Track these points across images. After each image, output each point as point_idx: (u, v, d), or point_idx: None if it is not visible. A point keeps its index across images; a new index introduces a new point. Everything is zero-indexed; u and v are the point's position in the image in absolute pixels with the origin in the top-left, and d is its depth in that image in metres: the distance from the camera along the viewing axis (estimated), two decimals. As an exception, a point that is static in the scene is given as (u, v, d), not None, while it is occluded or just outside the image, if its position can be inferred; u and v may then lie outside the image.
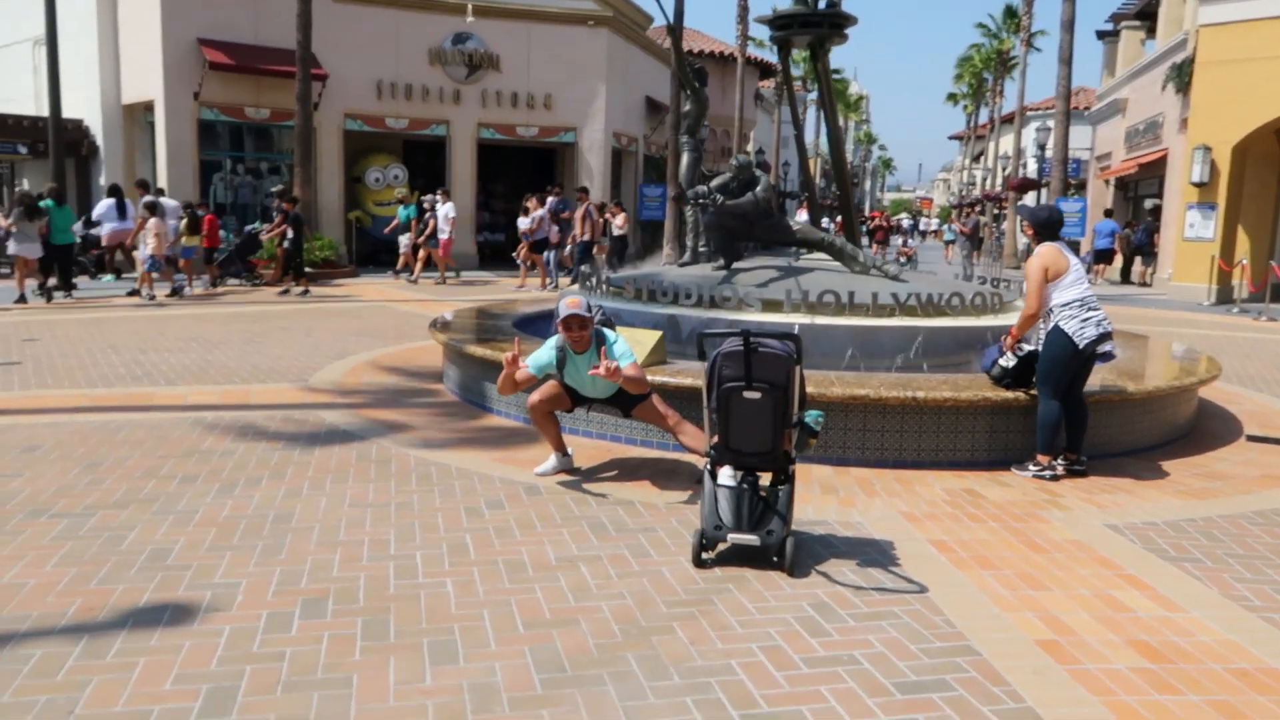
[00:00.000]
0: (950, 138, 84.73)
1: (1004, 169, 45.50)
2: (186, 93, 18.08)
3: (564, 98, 21.65)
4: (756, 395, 3.95)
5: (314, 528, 4.45)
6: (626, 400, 5.27)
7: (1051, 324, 5.67)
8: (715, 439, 4.15)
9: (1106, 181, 28.30)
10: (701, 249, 8.86)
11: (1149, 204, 27.56)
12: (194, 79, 18.03)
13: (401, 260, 18.37)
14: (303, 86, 17.49)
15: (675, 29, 8.62)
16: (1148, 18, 27.24)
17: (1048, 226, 5.92)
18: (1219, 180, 18.61)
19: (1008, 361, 5.91)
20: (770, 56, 39.00)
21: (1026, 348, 5.92)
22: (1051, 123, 27.76)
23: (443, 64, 20.76)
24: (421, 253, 17.76)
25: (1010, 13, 39.90)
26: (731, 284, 7.38)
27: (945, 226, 44.85)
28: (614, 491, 5.16)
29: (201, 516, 4.56)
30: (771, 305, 6.96)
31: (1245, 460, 6.31)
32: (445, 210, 17.44)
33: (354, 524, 4.52)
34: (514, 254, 18.31)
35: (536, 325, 9.04)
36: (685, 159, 8.79)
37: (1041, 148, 26.26)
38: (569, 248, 17.43)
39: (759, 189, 7.64)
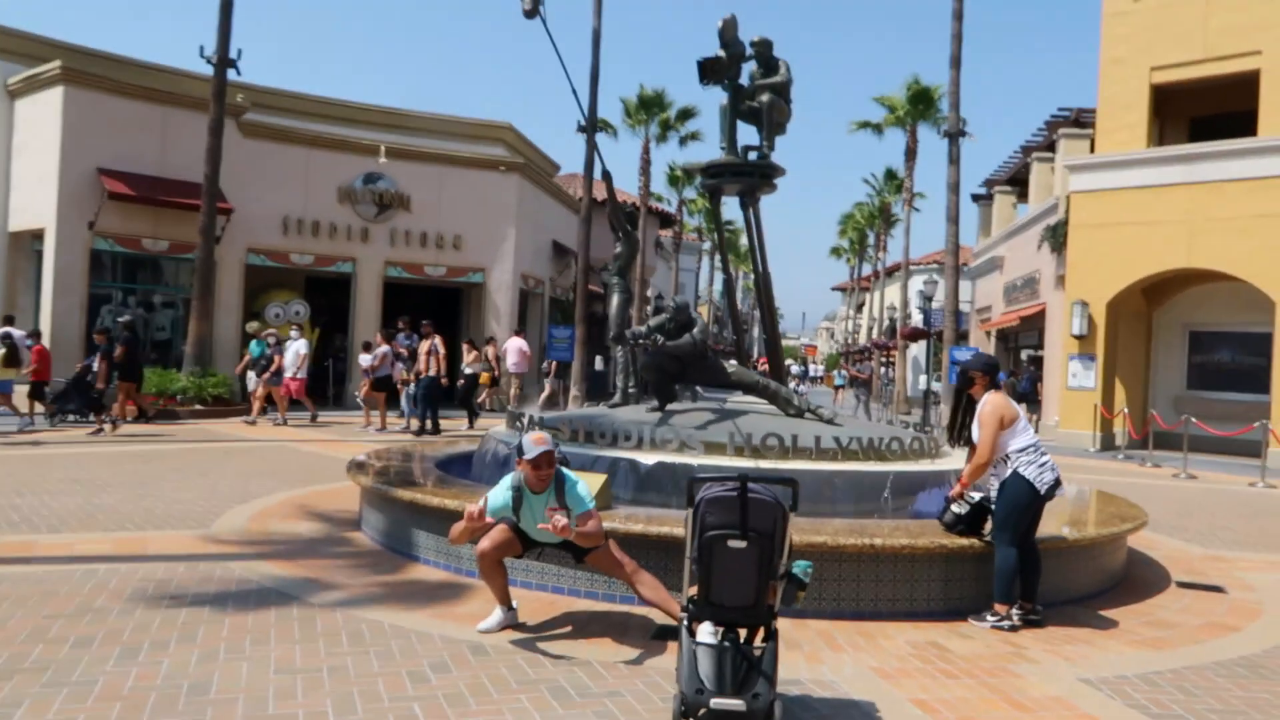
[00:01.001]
0: (833, 289, 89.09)
1: (889, 319, 47.72)
2: (81, 222, 17.41)
3: (474, 239, 21.78)
4: (742, 545, 3.72)
5: (238, 699, 3.91)
6: (579, 547, 4.95)
7: (1009, 471, 5.68)
8: (693, 592, 3.87)
9: (987, 333, 29.90)
10: (631, 390, 8.73)
11: (1026, 354, 29.14)
12: (90, 208, 17.41)
13: (256, 405, 16.57)
14: (207, 220, 17.07)
15: (607, 174, 8.74)
16: (1018, 184, 29.55)
17: (994, 373, 6.02)
18: (1096, 333, 19.83)
19: (960, 508, 5.86)
20: (668, 207, 40.51)
21: (976, 495, 5.90)
22: (935, 276, 29.39)
23: (352, 202, 20.69)
24: (260, 390, 16.46)
25: (890, 175, 42.74)
26: (671, 425, 7.23)
27: (835, 372, 46.37)
28: (569, 650, 4.77)
29: (103, 688, 3.96)
30: (714, 448, 6.81)
31: (1183, 608, 6.34)
32: (296, 347, 16.30)
33: (284, 693, 4.00)
34: (355, 392, 17.13)
35: (458, 466, 8.67)
36: (615, 300, 8.77)
37: (929, 299, 27.66)
38: (411, 386, 16.37)
39: (695, 330, 7.62)
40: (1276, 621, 6.09)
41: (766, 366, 9.45)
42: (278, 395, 16.45)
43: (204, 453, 12.01)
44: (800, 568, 3.78)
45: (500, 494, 4.92)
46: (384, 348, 16.35)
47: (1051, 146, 24.45)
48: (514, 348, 19.22)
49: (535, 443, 4.71)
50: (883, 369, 44.69)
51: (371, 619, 5.14)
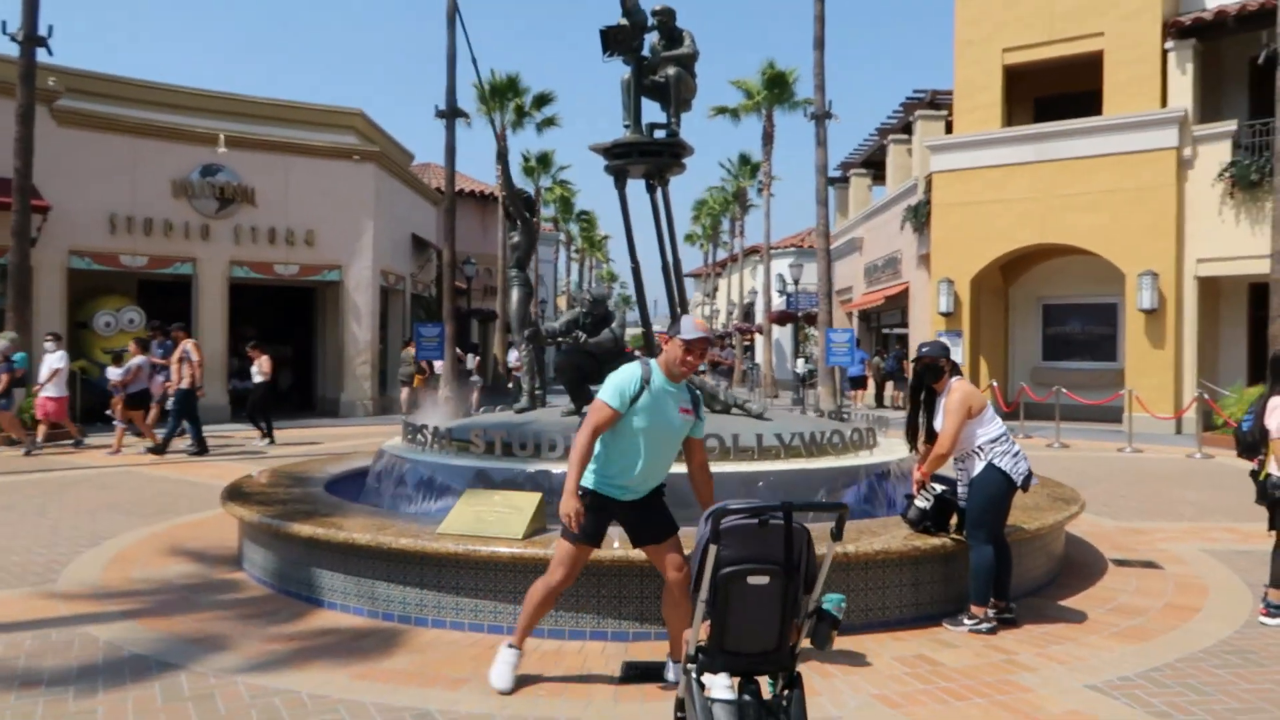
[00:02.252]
0: (685, 275, 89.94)
1: (748, 303, 48.32)
2: None
3: (327, 234, 20.33)
4: (764, 580, 3.14)
5: (134, 829, 3.03)
6: (660, 516, 4.30)
7: (983, 463, 5.32)
8: (702, 639, 3.26)
9: (849, 314, 30.52)
10: (538, 391, 8.01)
11: (888, 333, 29.91)
12: (-128, 209, 15.10)
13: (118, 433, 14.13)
14: (20, 219, 15.11)
15: (503, 153, 7.96)
16: (874, 166, 30.23)
17: (950, 358, 5.66)
18: (962, 310, 20.36)
19: (924, 503, 5.48)
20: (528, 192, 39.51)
21: (939, 487, 5.53)
22: (798, 259, 29.73)
23: (189, 197, 18.90)
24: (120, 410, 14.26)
25: (745, 159, 43.11)
26: (595, 432, 6.57)
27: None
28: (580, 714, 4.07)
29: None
30: (649, 454, 6.19)
31: (1135, 589, 6.21)
32: (51, 360, 13.94)
33: (195, 812, 3.14)
34: (107, 411, 15.01)
35: (347, 488, 7.74)
36: (515, 295, 8.02)
37: (796, 282, 27.93)
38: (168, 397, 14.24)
39: (614, 324, 6.99)
40: (1225, 597, 6.03)
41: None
42: (5, 420, 13.73)
43: (36, 485, 10.48)
44: (832, 602, 3.23)
45: (625, 382, 4.09)
46: (138, 359, 14.14)
47: (908, 129, 25.02)
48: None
49: (698, 327, 4.12)
50: (745, 353, 45.18)
51: (284, 688, 4.27)
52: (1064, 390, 16.50)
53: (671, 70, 7.91)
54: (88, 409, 18.13)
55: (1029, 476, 5.32)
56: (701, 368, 7.70)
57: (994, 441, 5.31)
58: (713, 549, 3.03)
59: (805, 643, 3.28)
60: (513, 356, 19.63)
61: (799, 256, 33.36)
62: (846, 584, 5.11)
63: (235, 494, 6.78)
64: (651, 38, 8.07)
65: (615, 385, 4.05)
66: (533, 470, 6.13)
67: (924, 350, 5.67)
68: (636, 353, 7.20)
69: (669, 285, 8.54)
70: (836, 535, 3.16)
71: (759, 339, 40.34)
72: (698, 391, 4.33)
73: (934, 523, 5.47)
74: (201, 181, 18.94)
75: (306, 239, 20.09)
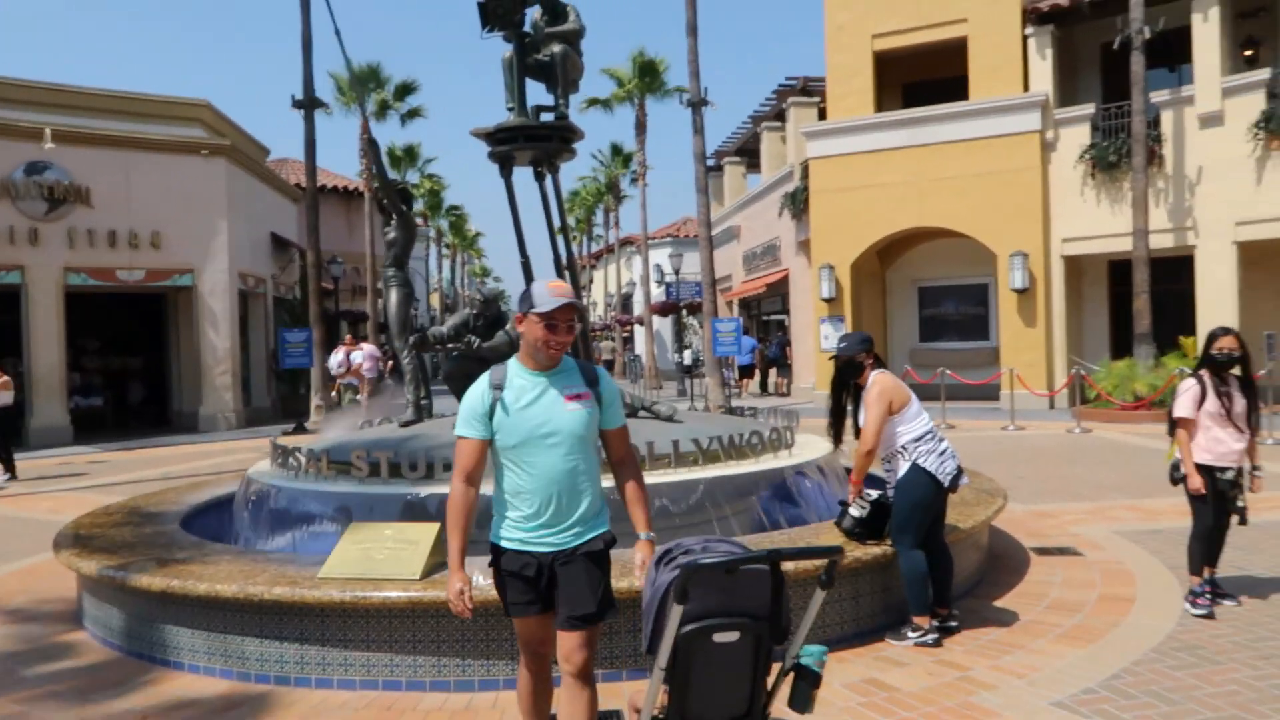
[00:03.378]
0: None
1: (625, 295, 48.00)
2: None
3: (176, 235, 18.74)
4: (733, 636, 2.61)
5: None
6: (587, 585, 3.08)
7: (907, 464, 4.94)
8: (659, 709, 2.71)
9: (729, 302, 30.52)
10: (423, 401, 7.28)
11: (768, 320, 30.07)
12: None
13: None
14: None
15: (372, 141, 7.17)
16: (747, 154, 30.28)
17: (872, 349, 5.26)
18: (843, 295, 20.46)
19: (859, 511, 5.08)
20: (394, 191, 37.96)
21: (873, 493, 5.15)
22: (678, 249, 29.52)
23: (13, 198, 17.04)
24: None
25: (616, 150, 42.67)
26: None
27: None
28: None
29: None
30: (556, 469, 5.59)
31: (1064, 581, 6.01)
32: None
33: None
34: None
35: (205, 523, 6.83)
36: (394, 295, 7.26)
37: (677, 271, 27.68)
38: None
39: (509, 326, 6.35)
40: (1153, 584, 5.88)
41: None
42: None
43: None
44: (813, 656, 2.72)
45: (473, 401, 3.10)
46: None
47: (780, 116, 25.04)
48: (367, 353, 17.59)
49: (554, 291, 3.02)
50: (625, 346, 44.89)
51: (134, 791, 3.49)
52: (947, 371, 16.70)
53: (556, 48, 7.30)
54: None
55: (958, 475, 4.96)
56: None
57: (918, 440, 4.94)
58: (677, 610, 2.47)
59: (777, 707, 2.77)
60: (333, 362, 17.71)
61: (677, 246, 33.16)
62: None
63: (71, 539, 5.82)
64: (533, 12, 7.43)
65: (463, 409, 3.09)
66: (425, 494, 5.44)
67: (841, 347, 5.26)
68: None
69: (559, 276, 7.93)
70: (826, 583, 2.65)
71: (639, 330, 40.10)
72: (595, 367, 3.20)
73: (868, 531, 5.08)
74: (26, 181, 17.12)
75: (152, 241, 18.47)
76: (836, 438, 5.36)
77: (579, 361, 3.20)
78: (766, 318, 30.39)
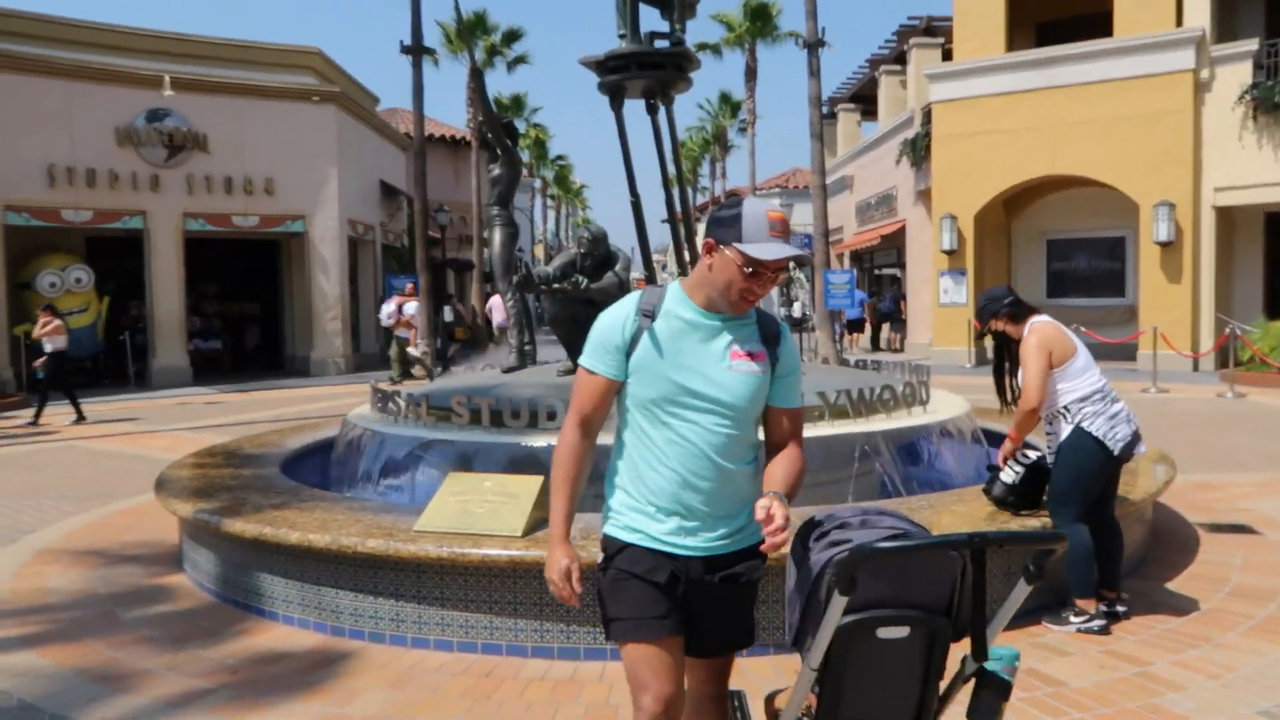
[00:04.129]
0: (662, 221, 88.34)
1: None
2: None
3: (289, 182, 18.91)
4: (902, 632, 2.09)
5: None
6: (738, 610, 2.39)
7: (1070, 426, 4.29)
8: (805, 711, 2.23)
9: (839, 255, 29.43)
10: (527, 346, 6.91)
11: (881, 274, 28.91)
12: None
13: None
14: (-58, 170, 13.67)
15: (477, 72, 6.75)
16: (863, 100, 28.96)
17: (1015, 305, 4.56)
18: (966, 247, 19.32)
19: (1011, 476, 4.47)
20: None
21: (1032, 454, 4.52)
22: (789, 199, 28.54)
23: (135, 145, 17.41)
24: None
25: (725, 98, 41.60)
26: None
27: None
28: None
29: None
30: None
31: (1245, 564, 5.27)
32: None
33: None
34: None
35: (310, 467, 6.66)
36: (498, 235, 6.89)
37: (786, 224, 26.80)
38: None
39: (619, 267, 5.89)
40: (1355, 570, 5.09)
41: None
42: None
43: (-40, 467, 9.32)
44: (1003, 661, 2.19)
45: (609, 326, 2.29)
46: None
47: (901, 59, 23.73)
48: (497, 305, 17.51)
49: (774, 227, 2.15)
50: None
51: (215, 755, 3.23)
52: (1082, 328, 15.54)
53: (673, -34, 6.71)
54: (34, 377, 16.89)
55: (1132, 442, 4.26)
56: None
57: (1084, 399, 4.26)
58: (839, 602, 1.97)
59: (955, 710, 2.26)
60: (384, 312, 17.02)
61: (785, 196, 32.16)
62: (926, 579, 4.10)
63: (170, 481, 5.67)
64: (647, -70, 6.85)
65: (595, 335, 2.30)
66: (529, 445, 5.06)
67: (981, 311, 4.63)
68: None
69: (674, 223, 7.43)
70: (1034, 575, 2.11)
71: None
72: (778, 321, 2.34)
73: (1022, 499, 4.47)
74: (148, 128, 17.45)
75: (266, 188, 18.69)
76: (1003, 398, 4.71)
77: (759, 310, 2.31)
78: (879, 271, 29.23)
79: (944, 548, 2.01)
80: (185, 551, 5.42)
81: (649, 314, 2.24)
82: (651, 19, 6.97)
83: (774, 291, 41.34)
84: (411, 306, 16.58)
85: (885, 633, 2.09)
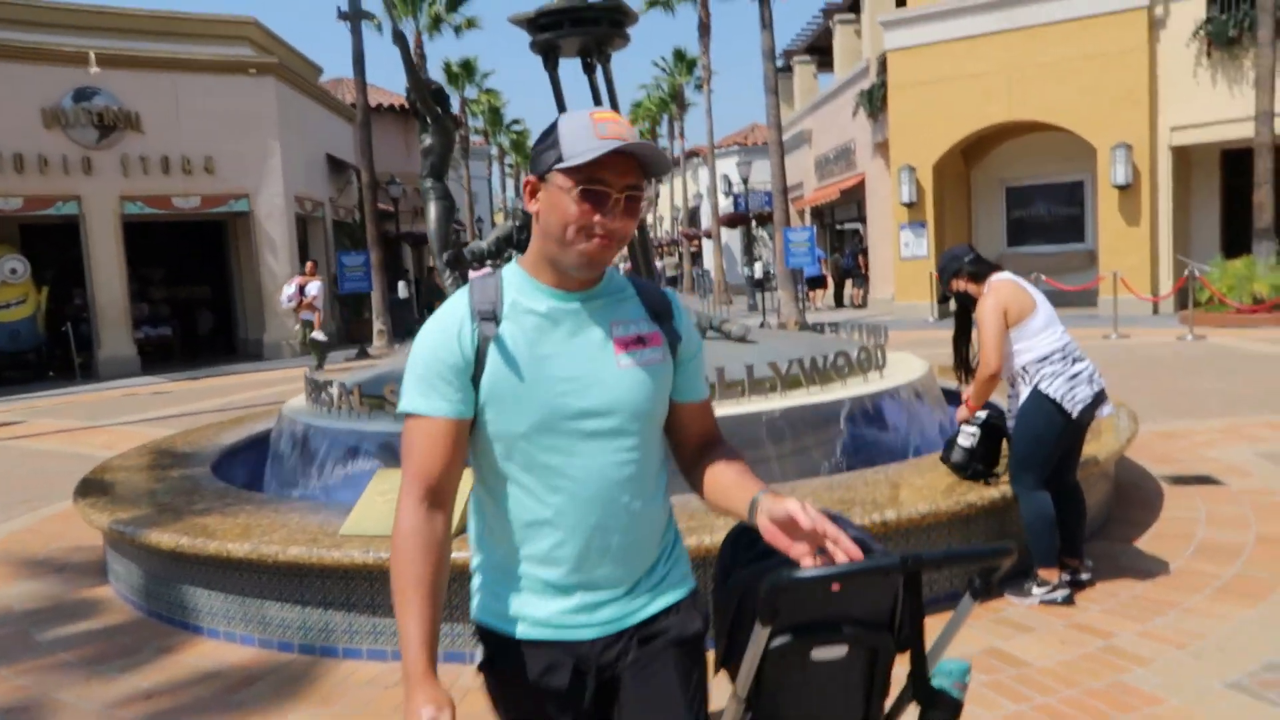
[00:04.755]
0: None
1: (692, 209, 46.73)
2: None
3: (229, 159, 18.29)
4: (839, 652, 1.87)
5: None
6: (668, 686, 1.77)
7: (1028, 388, 4.09)
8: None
9: (800, 211, 29.20)
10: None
11: (842, 229, 28.73)
12: None
13: None
14: None
15: (400, 36, 6.37)
16: (818, 51, 28.56)
17: (976, 262, 4.35)
18: (925, 199, 19.15)
19: (968, 440, 4.27)
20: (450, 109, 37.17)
21: (983, 414, 4.32)
22: (746, 157, 28.22)
23: (63, 126, 16.72)
24: None
25: (679, 55, 40.97)
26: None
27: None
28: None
29: None
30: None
31: (1210, 517, 5.14)
32: None
33: None
34: None
35: (242, 464, 6.35)
36: (433, 210, 6.52)
37: (745, 181, 26.46)
38: None
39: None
40: (1321, 519, 4.98)
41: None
42: None
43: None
44: (952, 676, 1.97)
45: (441, 347, 1.58)
46: None
47: (855, 6, 23.38)
48: (317, 288, 15.30)
49: (601, 128, 1.53)
50: (695, 260, 43.84)
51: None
52: (1042, 277, 15.46)
53: (602, -86, 6.33)
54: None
55: (1093, 404, 4.04)
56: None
57: (1042, 360, 4.04)
58: (762, 632, 1.73)
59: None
60: (285, 294, 15.35)
61: (745, 154, 31.79)
62: (883, 557, 3.90)
63: (92, 486, 5.36)
64: (574, -124, 6.46)
65: (417, 363, 1.61)
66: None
67: (941, 272, 4.41)
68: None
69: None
70: (980, 592, 1.88)
71: (707, 244, 39.02)
72: (664, 291, 1.79)
73: (984, 461, 4.27)
74: (76, 108, 16.75)
75: (206, 166, 18.06)
76: (961, 369, 4.49)
77: (636, 280, 1.76)
78: (840, 226, 29.04)
79: (874, 573, 1.77)
80: (109, 563, 5.12)
81: (489, 315, 1.57)
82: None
83: (738, 252, 41.11)
84: (314, 287, 15.14)
85: (821, 654, 1.87)
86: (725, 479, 1.72)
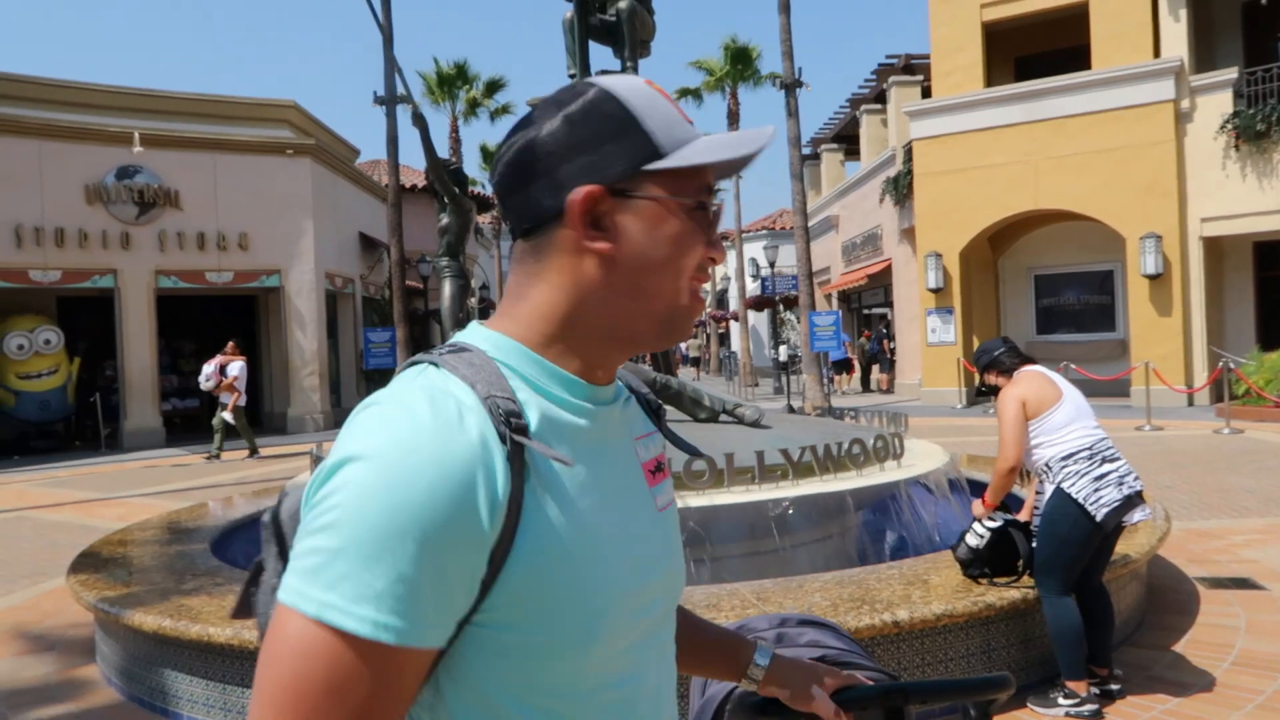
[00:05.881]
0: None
1: (720, 291, 46.95)
2: None
3: (263, 236, 18.63)
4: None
5: None
6: None
7: (1052, 486, 3.90)
8: None
9: (828, 296, 29.19)
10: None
11: (869, 314, 28.64)
12: None
13: None
14: (-101, 234, 13.36)
15: (420, 117, 6.45)
16: (845, 140, 28.92)
17: (1008, 354, 4.23)
18: (952, 285, 19.04)
19: (976, 539, 4.06)
20: (484, 189, 37.95)
21: (1001, 517, 4.11)
22: (773, 240, 28.40)
23: (105, 202, 17.14)
24: None
25: (710, 144, 41.63)
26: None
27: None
28: None
29: None
30: (618, 486, 4.73)
31: (1251, 626, 4.84)
32: None
33: None
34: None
35: (248, 540, 6.24)
36: (447, 287, 6.54)
37: (772, 264, 26.56)
38: None
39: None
40: (1370, 630, 4.67)
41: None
42: None
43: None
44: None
45: (452, 512, 0.78)
46: None
47: (881, 97, 23.69)
48: (238, 368, 14.58)
49: (662, 95, 0.96)
50: (723, 342, 43.82)
51: None
52: (1072, 366, 15.21)
53: (623, 3, 6.45)
54: (2, 442, 16.50)
55: (1122, 508, 3.79)
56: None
57: (1067, 458, 3.85)
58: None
59: None
60: (204, 374, 14.47)
61: (772, 238, 31.98)
62: (897, 660, 3.68)
63: (87, 560, 5.25)
64: (597, -34, 6.60)
65: (390, 531, 0.75)
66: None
67: (975, 364, 4.33)
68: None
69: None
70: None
71: (734, 326, 39.05)
72: (643, 370, 1.27)
73: (991, 565, 4.05)
74: (118, 185, 17.19)
75: (240, 243, 18.40)
76: None
77: (642, 392, 1.14)
78: (867, 310, 28.95)
79: (853, 705, 1.60)
80: (97, 642, 4.97)
81: (521, 426, 0.85)
82: (603, 57, 6.67)
83: (764, 334, 41.14)
84: (235, 367, 14.34)
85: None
86: (689, 631, 1.25)
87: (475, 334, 0.96)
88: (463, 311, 6.44)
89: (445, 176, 6.42)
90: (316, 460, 5.85)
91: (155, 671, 4.24)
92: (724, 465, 4.74)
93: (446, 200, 6.48)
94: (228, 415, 14.21)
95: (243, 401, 14.47)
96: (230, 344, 14.99)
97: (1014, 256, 20.29)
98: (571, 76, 6.53)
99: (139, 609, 4.18)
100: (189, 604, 4.20)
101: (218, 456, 14.28)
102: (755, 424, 5.84)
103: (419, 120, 6.43)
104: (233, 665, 3.90)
